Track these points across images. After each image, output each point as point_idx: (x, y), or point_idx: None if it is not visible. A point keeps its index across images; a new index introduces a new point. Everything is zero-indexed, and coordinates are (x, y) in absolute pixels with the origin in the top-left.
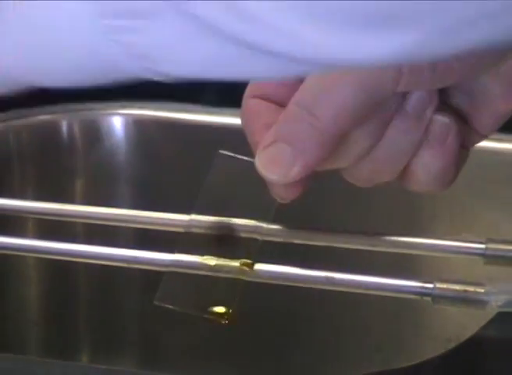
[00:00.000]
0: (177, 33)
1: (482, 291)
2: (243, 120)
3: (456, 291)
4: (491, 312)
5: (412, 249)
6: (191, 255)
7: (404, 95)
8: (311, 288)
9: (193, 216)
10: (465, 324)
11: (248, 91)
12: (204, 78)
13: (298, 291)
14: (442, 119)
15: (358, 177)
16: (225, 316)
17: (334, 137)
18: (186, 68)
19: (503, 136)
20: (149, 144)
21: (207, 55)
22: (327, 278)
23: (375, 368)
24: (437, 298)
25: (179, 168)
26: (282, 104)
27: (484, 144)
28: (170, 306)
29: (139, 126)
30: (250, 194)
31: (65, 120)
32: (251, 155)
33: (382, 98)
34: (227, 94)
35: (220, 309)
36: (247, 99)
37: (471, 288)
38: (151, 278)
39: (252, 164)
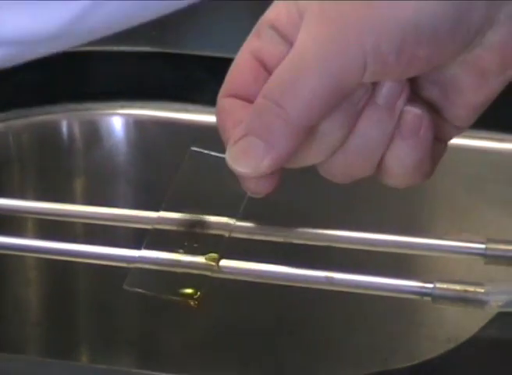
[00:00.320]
0: None
1: (482, 291)
2: (217, 120)
3: (456, 291)
4: (491, 312)
5: (412, 249)
6: (157, 252)
7: (375, 87)
8: (310, 288)
9: (162, 213)
10: (465, 324)
11: (222, 91)
12: None
13: (297, 290)
14: (413, 110)
15: (334, 173)
16: (194, 298)
17: (303, 128)
18: None
19: (503, 136)
20: (149, 144)
21: None
22: (327, 278)
23: (375, 368)
24: (437, 298)
25: (178, 168)
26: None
27: (484, 144)
28: (140, 290)
29: (139, 127)
30: (221, 190)
31: (65, 120)
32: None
33: (348, 88)
34: None
35: (189, 291)
36: (221, 99)
37: (471, 288)
38: None
39: (223, 160)
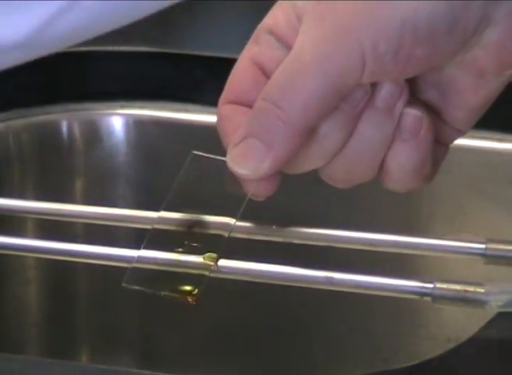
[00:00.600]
0: None
1: (482, 291)
2: (217, 126)
3: (456, 290)
4: (491, 312)
5: (412, 249)
6: (156, 251)
7: (374, 89)
8: (310, 288)
9: (162, 213)
10: (465, 324)
11: (222, 98)
12: None
13: (297, 290)
14: (413, 112)
15: (335, 177)
16: (193, 294)
17: (302, 129)
18: None
19: (503, 136)
20: (149, 144)
21: None
22: (327, 278)
23: (375, 368)
24: (437, 298)
25: (179, 168)
26: None
27: (484, 144)
28: (138, 288)
29: (139, 127)
30: (222, 193)
31: (65, 120)
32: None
33: (347, 88)
34: None
35: (187, 288)
36: (221, 106)
37: (471, 288)
38: None
39: (224, 163)
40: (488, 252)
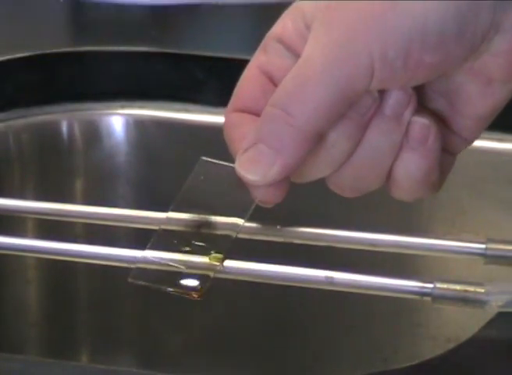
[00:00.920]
0: None
1: (482, 291)
2: (225, 134)
3: (456, 290)
4: (491, 312)
5: (412, 249)
6: (162, 252)
7: (382, 97)
8: (310, 288)
9: (170, 214)
10: (465, 324)
11: (229, 106)
12: None
13: (298, 290)
14: (421, 121)
15: (342, 185)
16: (198, 290)
17: (311, 135)
18: None
19: (503, 136)
20: (149, 144)
21: None
22: (326, 278)
23: (375, 368)
24: (437, 298)
25: (179, 168)
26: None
27: (484, 144)
28: (144, 283)
29: (139, 127)
30: (229, 197)
31: (65, 120)
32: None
33: (356, 95)
34: (227, 94)
35: (192, 284)
36: (229, 114)
37: (471, 288)
38: None
39: (233, 169)
40: (488, 252)
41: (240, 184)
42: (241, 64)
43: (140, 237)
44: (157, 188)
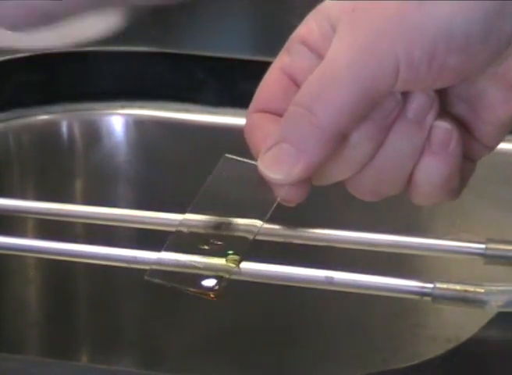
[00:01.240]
0: None
1: (482, 291)
2: (246, 135)
3: (456, 290)
4: (491, 312)
5: (412, 249)
6: (177, 254)
7: (405, 100)
8: (310, 288)
9: (187, 216)
10: (465, 324)
11: (251, 107)
12: None
13: (298, 290)
14: (443, 125)
15: (363, 189)
16: (214, 290)
17: (335, 135)
18: None
19: None
20: (149, 144)
21: None
22: (326, 278)
23: (375, 368)
24: (437, 298)
25: (179, 168)
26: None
27: None
28: (160, 281)
29: (139, 127)
30: (250, 197)
31: (65, 120)
32: (251, 155)
33: (380, 95)
34: (227, 94)
35: (209, 283)
36: (250, 114)
37: (471, 288)
38: None
39: (256, 167)
40: (488, 252)
41: (263, 183)
42: (241, 64)
43: (141, 237)
44: (157, 188)
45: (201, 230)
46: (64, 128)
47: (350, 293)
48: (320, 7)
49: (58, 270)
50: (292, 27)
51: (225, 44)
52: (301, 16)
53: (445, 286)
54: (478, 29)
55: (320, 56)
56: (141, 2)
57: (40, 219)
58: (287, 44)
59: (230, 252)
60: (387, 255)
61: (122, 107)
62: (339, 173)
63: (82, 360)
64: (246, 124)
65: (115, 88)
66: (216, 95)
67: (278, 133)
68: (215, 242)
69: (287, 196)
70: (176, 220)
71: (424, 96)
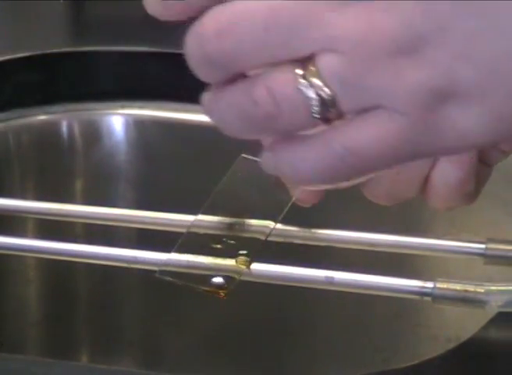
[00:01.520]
0: None
1: (482, 291)
2: None
3: (456, 290)
4: (491, 312)
5: (412, 249)
6: (187, 255)
7: None
8: (310, 288)
9: (199, 217)
10: (465, 324)
11: None
12: None
13: (298, 290)
14: None
15: (379, 192)
16: (224, 288)
17: None
18: None
19: None
20: (149, 144)
21: None
22: (327, 278)
23: (375, 368)
24: (437, 297)
25: (178, 168)
26: None
27: None
28: (171, 279)
29: (139, 126)
30: (265, 197)
31: (65, 120)
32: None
33: None
34: None
35: (219, 282)
36: None
37: (471, 288)
38: (151, 278)
39: None
40: (488, 252)
41: (279, 183)
42: None
43: (141, 237)
44: (157, 188)
45: (214, 230)
46: (64, 128)
47: (350, 293)
48: None
49: (58, 270)
50: None
51: None
52: None
53: (445, 286)
54: None
55: None
56: None
57: (40, 219)
58: None
59: (242, 253)
60: (387, 255)
61: (122, 107)
62: None
63: (82, 360)
64: None
65: (115, 88)
66: None
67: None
68: (228, 241)
69: (302, 196)
70: (175, 220)
71: None
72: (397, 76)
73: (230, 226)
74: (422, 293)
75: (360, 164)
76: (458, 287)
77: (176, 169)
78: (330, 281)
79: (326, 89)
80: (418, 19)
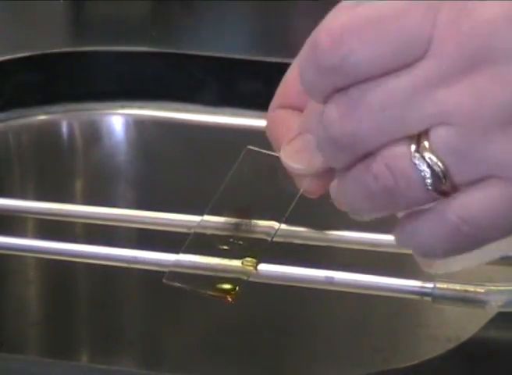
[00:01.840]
0: None
1: (482, 291)
2: (268, 130)
3: (456, 290)
4: (491, 312)
5: None
6: (194, 255)
7: None
8: (310, 288)
9: (205, 217)
10: (465, 324)
11: (273, 103)
12: None
13: (298, 290)
14: None
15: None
16: (232, 293)
17: None
18: None
19: None
20: (149, 144)
21: None
22: (327, 278)
23: (375, 368)
24: (437, 298)
25: (178, 168)
26: None
27: None
28: (178, 284)
29: (139, 126)
30: (272, 190)
31: (65, 120)
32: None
33: None
34: (227, 94)
35: (227, 286)
36: (273, 110)
37: (471, 288)
38: (151, 278)
39: (278, 159)
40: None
41: (285, 175)
42: (241, 64)
43: (141, 237)
44: (157, 188)
45: (221, 231)
46: (64, 128)
47: (350, 293)
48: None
49: (58, 270)
50: (292, 28)
51: (224, 44)
52: (301, 17)
53: (445, 286)
54: None
55: None
56: None
57: (40, 219)
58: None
59: (248, 254)
60: (387, 255)
61: (122, 107)
62: None
63: (82, 360)
64: (268, 120)
65: (115, 88)
66: (216, 95)
67: (300, 125)
68: (235, 242)
69: (309, 187)
70: (175, 220)
71: None
72: (510, 146)
73: (237, 226)
74: (422, 293)
75: (476, 232)
76: (458, 287)
77: (176, 169)
78: (330, 281)
79: (439, 162)
80: None
